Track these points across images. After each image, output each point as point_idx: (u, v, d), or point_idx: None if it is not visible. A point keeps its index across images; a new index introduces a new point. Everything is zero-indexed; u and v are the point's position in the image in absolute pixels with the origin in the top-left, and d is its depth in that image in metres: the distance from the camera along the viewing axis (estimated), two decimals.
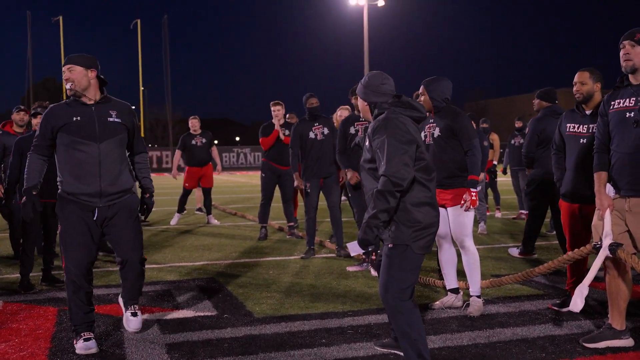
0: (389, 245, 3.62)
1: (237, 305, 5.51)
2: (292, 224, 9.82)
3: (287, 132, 9.54)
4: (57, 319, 5.14)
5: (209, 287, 6.24)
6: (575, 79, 5.04)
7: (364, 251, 4.01)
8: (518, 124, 12.15)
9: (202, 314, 5.25)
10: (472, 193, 5.08)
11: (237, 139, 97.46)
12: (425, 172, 3.66)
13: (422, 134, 5.25)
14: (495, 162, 12.10)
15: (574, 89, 5.03)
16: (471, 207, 5.04)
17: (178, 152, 12.06)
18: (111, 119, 4.46)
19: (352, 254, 3.94)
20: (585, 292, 4.10)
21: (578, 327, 4.76)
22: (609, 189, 4.28)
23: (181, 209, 11.77)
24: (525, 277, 4.99)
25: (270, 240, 9.53)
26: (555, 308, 5.22)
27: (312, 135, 7.99)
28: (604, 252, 4.11)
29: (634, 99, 4.13)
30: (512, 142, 11.90)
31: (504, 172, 13.23)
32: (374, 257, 6.92)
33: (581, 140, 4.97)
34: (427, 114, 5.26)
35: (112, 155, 4.46)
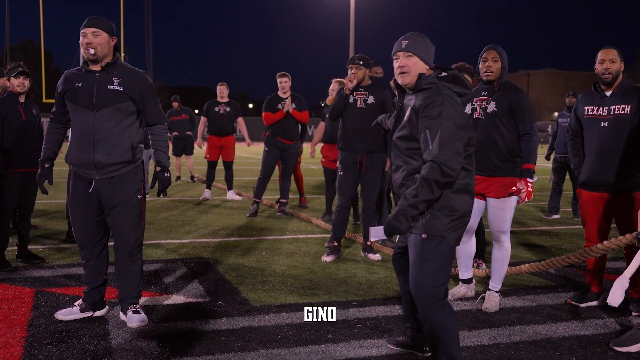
0: (423, 236, 3.21)
1: (231, 291, 5.07)
2: (284, 200, 9.39)
3: (294, 106, 9.10)
4: (35, 302, 4.67)
5: (199, 269, 5.79)
6: (602, 56, 4.62)
7: (384, 238, 3.63)
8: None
9: (194, 300, 4.82)
10: (529, 183, 4.62)
11: None
12: (471, 157, 3.24)
13: (469, 107, 4.77)
14: None
15: (602, 67, 4.59)
16: (526, 199, 4.58)
17: (203, 120, 11.16)
18: (111, 87, 4.16)
19: (371, 239, 3.51)
20: (626, 285, 3.72)
21: (604, 327, 4.40)
22: None
23: (209, 184, 11.13)
24: (548, 266, 4.62)
25: (260, 217, 9.09)
26: (574, 303, 4.85)
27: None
28: None
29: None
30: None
31: None
32: (369, 243, 6.51)
33: (602, 124, 4.59)
34: (483, 85, 4.77)
35: (108, 124, 4.13)
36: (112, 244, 4.38)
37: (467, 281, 5.00)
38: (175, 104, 13.78)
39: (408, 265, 3.40)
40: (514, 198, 4.65)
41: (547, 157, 10.62)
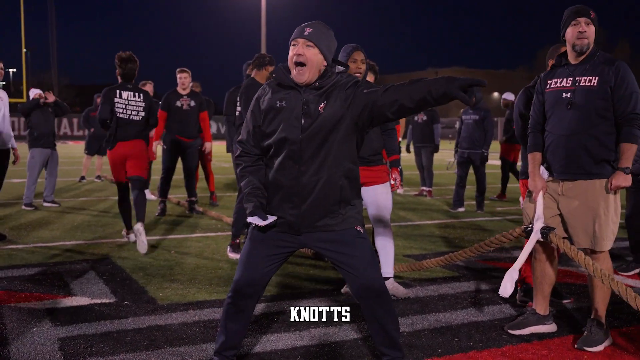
0: (357, 228, 3.29)
1: (138, 291, 5.01)
2: (193, 198, 9.31)
3: (192, 103, 8.98)
4: None
5: (105, 270, 5.68)
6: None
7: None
8: None
9: (98, 301, 4.72)
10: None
11: None
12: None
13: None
14: (399, 139, 12.00)
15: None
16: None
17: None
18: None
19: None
20: (516, 276, 3.94)
21: (500, 312, 4.62)
22: (542, 171, 4.11)
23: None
24: (448, 261, 4.80)
25: (169, 216, 8.97)
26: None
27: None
28: (535, 236, 3.96)
29: (571, 79, 3.96)
30: (416, 119, 11.77)
31: (407, 150, 13.21)
32: (237, 241, 6.40)
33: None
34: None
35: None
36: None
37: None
38: (99, 99, 13.35)
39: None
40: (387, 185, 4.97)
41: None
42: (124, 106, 6.73)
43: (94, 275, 5.48)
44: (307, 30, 3.15)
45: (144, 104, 6.84)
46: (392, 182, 5.02)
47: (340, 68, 3.39)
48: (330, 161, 3.12)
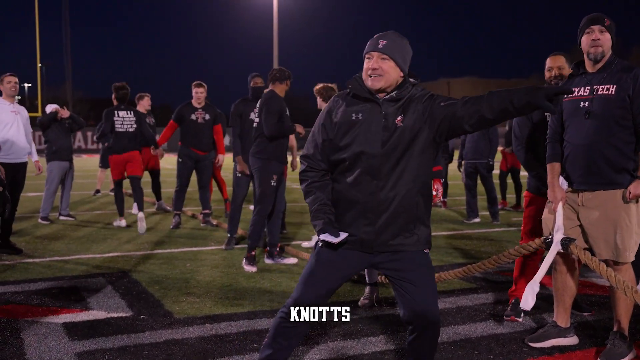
0: (425, 251, 3.16)
1: (154, 304, 4.99)
2: (207, 211, 9.31)
3: (207, 117, 9.00)
4: None
5: (121, 283, 5.67)
6: (550, 63, 4.66)
7: None
8: None
9: (115, 315, 4.71)
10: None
11: None
12: None
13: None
14: None
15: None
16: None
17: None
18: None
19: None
20: (537, 289, 3.87)
21: (520, 325, 4.56)
22: (562, 181, 4.06)
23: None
24: (465, 273, 4.73)
25: (184, 228, 8.97)
26: (519, 319, 4.65)
27: (252, 116, 7.50)
28: (555, 247, 3.90)
29: (589, 87, 3.91)
30: None
31: None
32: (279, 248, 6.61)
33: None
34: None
35: None
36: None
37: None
38: None
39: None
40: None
41: (459, 165, 10.64)
42: (121, 122, 8.91)
43: (110, 289, 5.48)
44: (382, 43, 3.03)
45: (134, 118, 9.01)
46: (434, 193, 4.89)
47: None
48: (407, 176, 2.99)
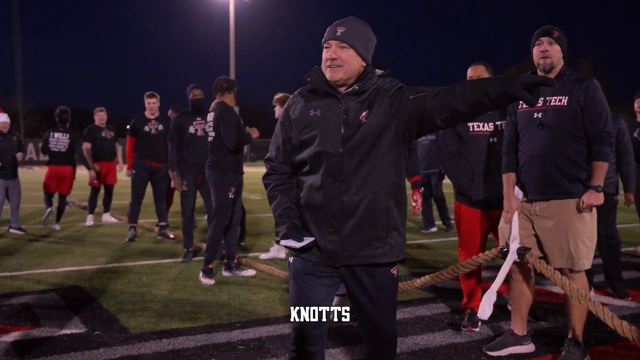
0: (393, 271, 2.88)
1: (110, 320, 4.89)
2: (163, 223, 9.18)
3: (160, 127, 8.90)
4: None
5: (75, 299, 5.53)
6: (471, 73, 4.78)
7: None
8: None
9: (68, 331, 4.59)
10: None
11: None
12: None
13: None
14: None
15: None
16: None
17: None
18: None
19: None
20: (494, 298, 3.92)
21: (478, 334, 4.60)
22: (517, 191, 4.12)
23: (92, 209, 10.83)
24: (424, 283, 4.76)
25: (140, 241, 8.83)
26: (476, 329, 4.69)
27: (192, 130, 7.43)
28: (512, 257, 3.95)
29: (542, 99, 3.98)
30: None
31: None
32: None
33: (491, 140, 4.64)
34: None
35: None
36: None
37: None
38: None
39: None
40: None
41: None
42: (55, 142, 9.97)
43: (64, 304, 5.34)
44: (340, 30, 2.75)
45: (68, 140, 9.99)
46: (413, 204, 4.86)
47: (379, 71, 2.89)
48: (374, 177, 2.71)
